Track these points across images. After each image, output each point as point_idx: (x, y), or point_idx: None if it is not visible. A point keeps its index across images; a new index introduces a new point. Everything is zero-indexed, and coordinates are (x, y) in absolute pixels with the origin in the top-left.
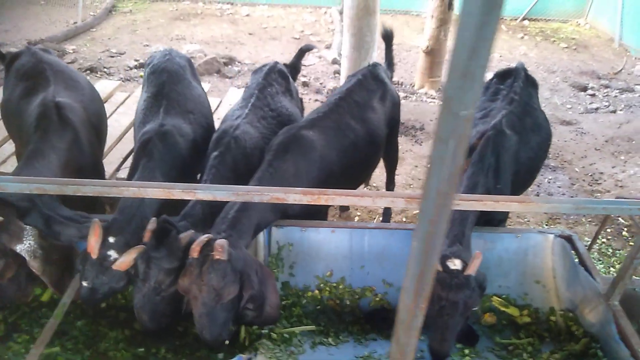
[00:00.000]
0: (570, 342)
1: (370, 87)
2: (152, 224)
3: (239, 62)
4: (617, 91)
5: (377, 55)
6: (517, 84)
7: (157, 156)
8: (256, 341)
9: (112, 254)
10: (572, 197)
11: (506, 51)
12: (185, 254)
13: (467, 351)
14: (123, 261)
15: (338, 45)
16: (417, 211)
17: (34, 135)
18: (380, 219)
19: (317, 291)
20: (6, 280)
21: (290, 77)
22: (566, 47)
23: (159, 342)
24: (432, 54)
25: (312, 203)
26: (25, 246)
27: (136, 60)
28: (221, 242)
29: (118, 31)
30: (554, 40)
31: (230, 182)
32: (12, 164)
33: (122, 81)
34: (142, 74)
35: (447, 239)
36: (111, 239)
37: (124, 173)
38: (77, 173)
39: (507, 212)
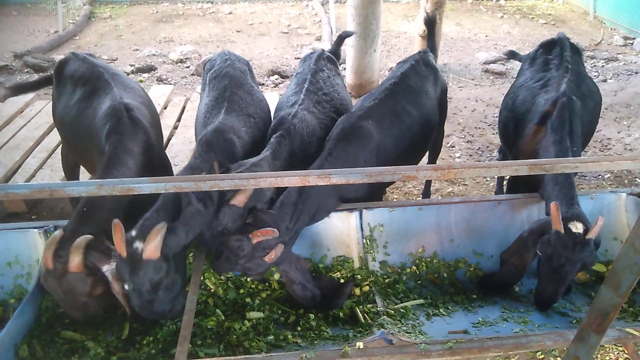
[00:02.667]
0: None
1: (423, 72)
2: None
3: None
4: (603, 61)
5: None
6: (566, 52)
7: (214, 151)
8: (376, 319)
9: (139, 245)
10: None
11: (490, 31)
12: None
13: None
14: (150, 247)
15: (328, 37)
16: (450, 189)
17: (109, 140)
18: (419, 198)
19: (414, 267)
20: (93, 298)
21: (337, 63)
22: (545, 23)
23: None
24: None
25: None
26: (111, 267)
27: (131, 65)
28: (278, 250)
29: (102, 38)
30: (533, 17)
31: (285, 165)
32: (41, 178)
33: None
34: (141, 78)
35: (558, 200)
36: (133, 232)
37: None
38: (151, 175)
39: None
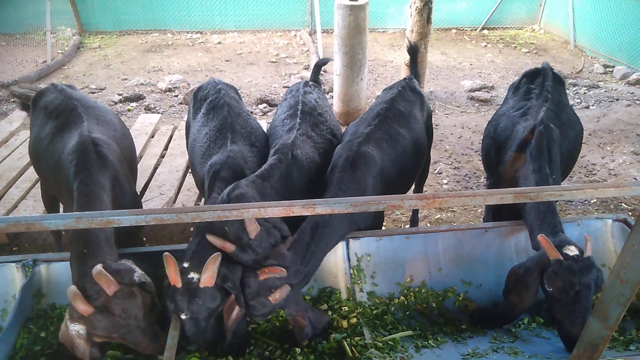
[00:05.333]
0: None
1: (410, 98)
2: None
3: None
4: (585, 88)
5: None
6: (548, 82)
7: (228, 184)
8: (364, 352)
9: (194, 275)
10: None
11: (475, 59)
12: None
13: None
14: (207, 276)
15: None
16: (438, 215)
17: (78, 177)
18: (407, 226)
19: (402, 297)
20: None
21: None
22: (528, 52)
23: None
24: None
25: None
26: (79, 328)
27: (119, 95)
28: (283, 291)
29: (91, 67)
30: (515, 46)
31: (279, 187)
32: (24, 208)
33: None
34: (129, 107)
35: (542, 232)
36: (185, 264)
37: (144, 206)
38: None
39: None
